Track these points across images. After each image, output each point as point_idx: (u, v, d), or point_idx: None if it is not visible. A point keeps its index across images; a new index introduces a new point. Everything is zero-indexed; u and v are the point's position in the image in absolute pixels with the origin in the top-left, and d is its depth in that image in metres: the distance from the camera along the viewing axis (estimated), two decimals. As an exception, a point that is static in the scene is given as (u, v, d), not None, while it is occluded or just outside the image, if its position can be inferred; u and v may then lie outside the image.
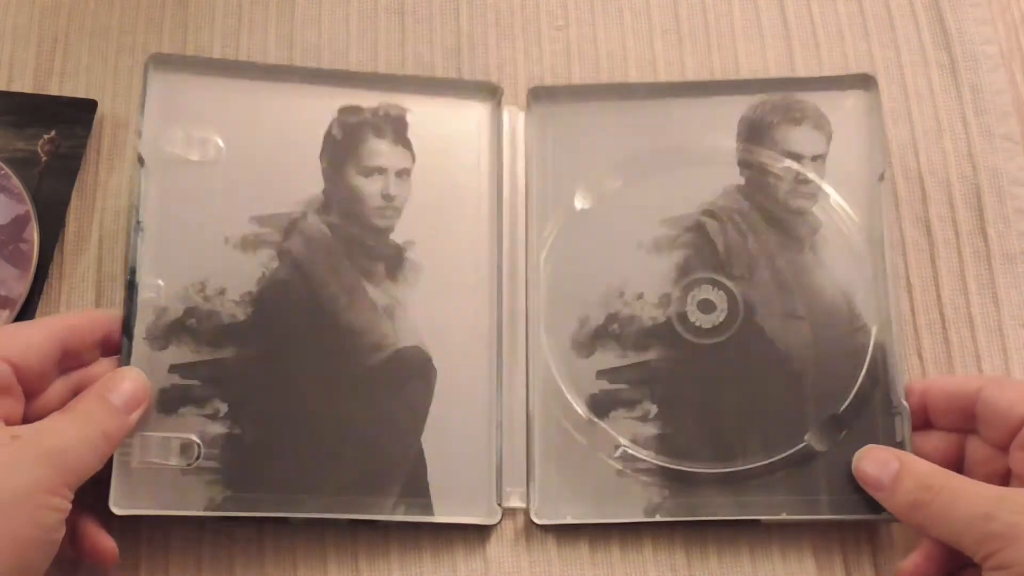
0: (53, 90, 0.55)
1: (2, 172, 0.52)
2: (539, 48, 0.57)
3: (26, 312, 0.51)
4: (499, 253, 0.51)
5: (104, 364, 0.47)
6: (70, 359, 0.46)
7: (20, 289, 0.50)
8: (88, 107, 0.55)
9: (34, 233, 0.51)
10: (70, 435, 0.42)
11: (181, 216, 0.50)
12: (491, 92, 0.53)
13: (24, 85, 0.55)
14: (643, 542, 0.48)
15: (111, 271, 0.52)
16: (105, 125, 0.55)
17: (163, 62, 0.51)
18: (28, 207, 0.52)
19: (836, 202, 0.52)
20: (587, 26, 0.58)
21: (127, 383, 0.45)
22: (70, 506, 0.41)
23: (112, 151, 0.54)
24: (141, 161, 0.50)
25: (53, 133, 0.54)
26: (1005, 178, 0.54)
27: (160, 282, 0.49)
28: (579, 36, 0.57)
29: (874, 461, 0.46)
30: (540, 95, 0.53)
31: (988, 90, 0.56)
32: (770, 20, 0.58)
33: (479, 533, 0.48)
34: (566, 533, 0.48)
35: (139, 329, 0.48)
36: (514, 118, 0.54)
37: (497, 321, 0.50)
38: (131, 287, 0.48)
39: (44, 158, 0.53)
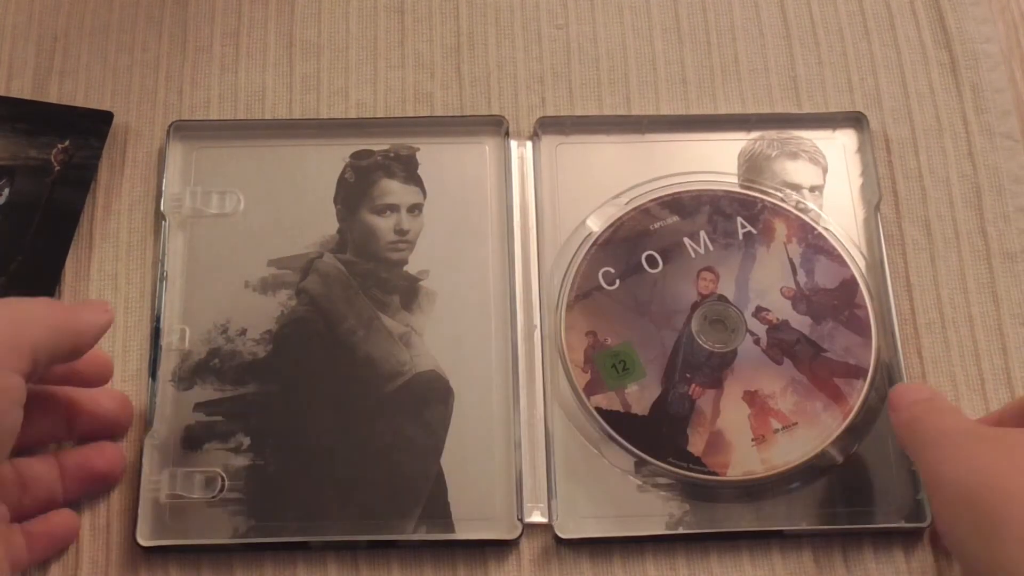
0: (53, 88, 0.55)
1: (815, 232, 0.52)
2: (539, 47, 0.57)
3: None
4: (511, 277, 0.51)
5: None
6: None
7: (867, 357, 0.50)
8: (104, 118, 0.54)
9: (866, 298, 0.51)
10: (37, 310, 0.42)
11: (203, 265, 0.51)
12: (497, 125, 0.54)
13: (23, 83, 0.55)
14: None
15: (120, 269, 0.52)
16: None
17: (182, 129, 0.54)
18: (852, 270, 0.51)
19: (835, 228, 0.53)
20: (587, 24, 0.58)
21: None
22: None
23: (111, 148, 0.54)
24: (163, 217, 0.52)
25: (67, 143, 0.53)
26: (1005, 176, 0.54)
27: (185, 328, 0.50)
28: (579, 34, 0.57)
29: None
30: (547, 125, 0.54)
31: (988, 88, 0.56)
32: (770, 19, 0.58)
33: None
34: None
35: (164, 372, 0.49)
36: (521, 148, 0.54)
37: (512, 342, 0.50)
38: (156, 334, 0.50)
39: (57, 167, 0.53)
